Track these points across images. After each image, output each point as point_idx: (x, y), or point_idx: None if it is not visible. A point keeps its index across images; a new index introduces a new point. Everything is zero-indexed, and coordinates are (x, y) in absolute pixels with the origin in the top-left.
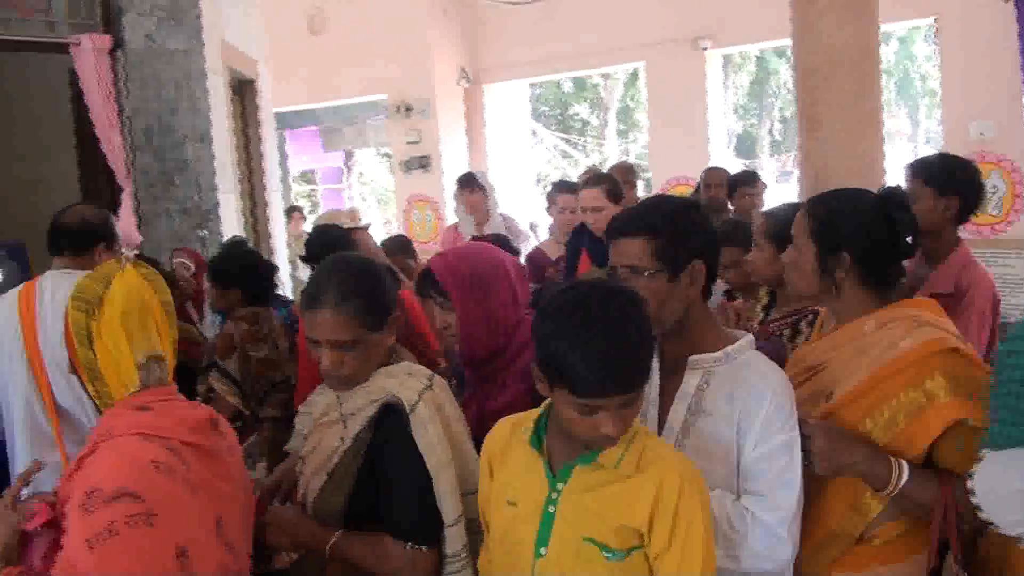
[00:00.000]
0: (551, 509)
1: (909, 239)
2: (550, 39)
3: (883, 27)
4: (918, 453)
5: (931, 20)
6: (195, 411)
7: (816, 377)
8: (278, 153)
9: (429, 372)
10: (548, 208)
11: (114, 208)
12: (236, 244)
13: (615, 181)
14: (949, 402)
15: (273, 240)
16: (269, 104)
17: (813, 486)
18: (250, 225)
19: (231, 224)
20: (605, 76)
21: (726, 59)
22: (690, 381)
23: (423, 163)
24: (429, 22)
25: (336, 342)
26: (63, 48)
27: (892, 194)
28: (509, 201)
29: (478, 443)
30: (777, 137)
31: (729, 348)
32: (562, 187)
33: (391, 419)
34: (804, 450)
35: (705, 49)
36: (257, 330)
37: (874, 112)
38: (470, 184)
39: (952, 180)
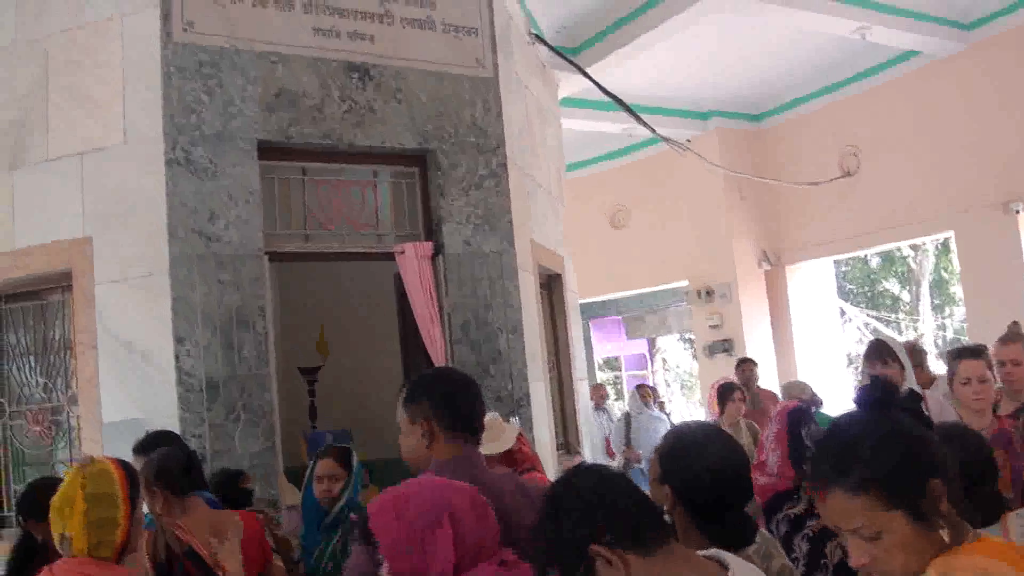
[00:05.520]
0: None
1: None
2: (852, 215)
3: None
4: None
5: None
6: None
7: None
8: (583, 342)
9: None
10: (950, 382)
11: None
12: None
13: None
14: None
15: (580, 426)
16: (575, 296)
17: None
18: (558, 411)
19: (541, 411)
20: (914, 248)
21: None
22: None
23: (726, 347)
24: (726, 207)
25: None
26: (390, 256)
27: (911, 400)
28: (819, 384)
29: None
30: None
31: None
32: (963, 353)
33: None
34: None
35: (1018, 212)
36: None
37: None
38: (882, 356)
39: None
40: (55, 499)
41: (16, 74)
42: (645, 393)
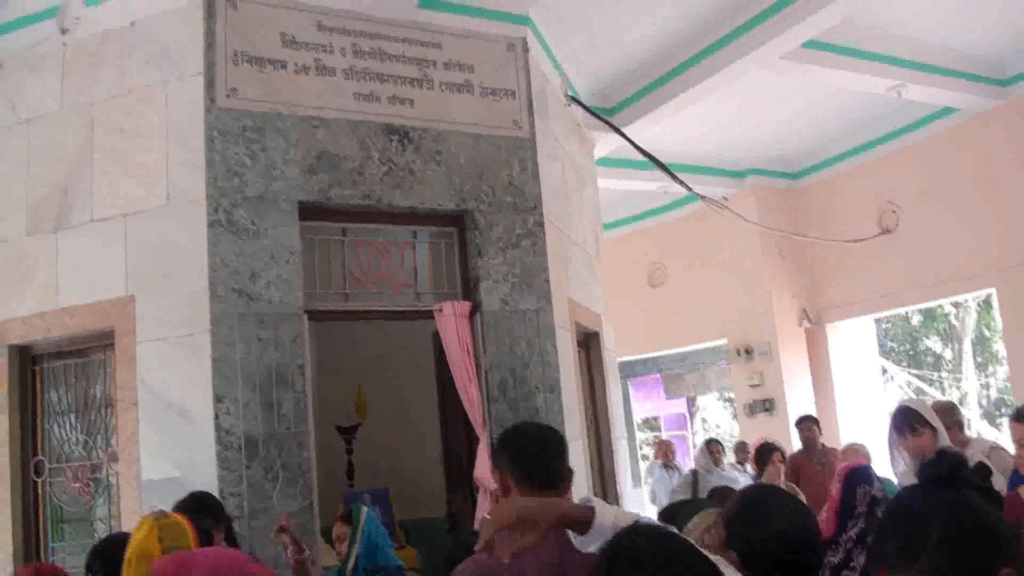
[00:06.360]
0: None
1: None
2: (892, 272)
3: None
4: None
5: None
6: None
7: None
8: (622, 401)
9: None
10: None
11: (471, 456)
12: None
13: None
14: None
15: (619, 485)
16: (612, 354)
17: None
18: (597, 471)
19: (579, 470)
20: (956, 305)
21: None
22: None
23: (767, 406)
24: (765, 265)
25: None
26: (428, 315)
27: (980, 474)
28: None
29: None
30: None
31: None
32: (1020, 416)
33: None
34: None
35: None
36: None
37: None
38: (911, 424)
39: None
40: (131, 551)
41: (63, 139)
42: (715, 450)
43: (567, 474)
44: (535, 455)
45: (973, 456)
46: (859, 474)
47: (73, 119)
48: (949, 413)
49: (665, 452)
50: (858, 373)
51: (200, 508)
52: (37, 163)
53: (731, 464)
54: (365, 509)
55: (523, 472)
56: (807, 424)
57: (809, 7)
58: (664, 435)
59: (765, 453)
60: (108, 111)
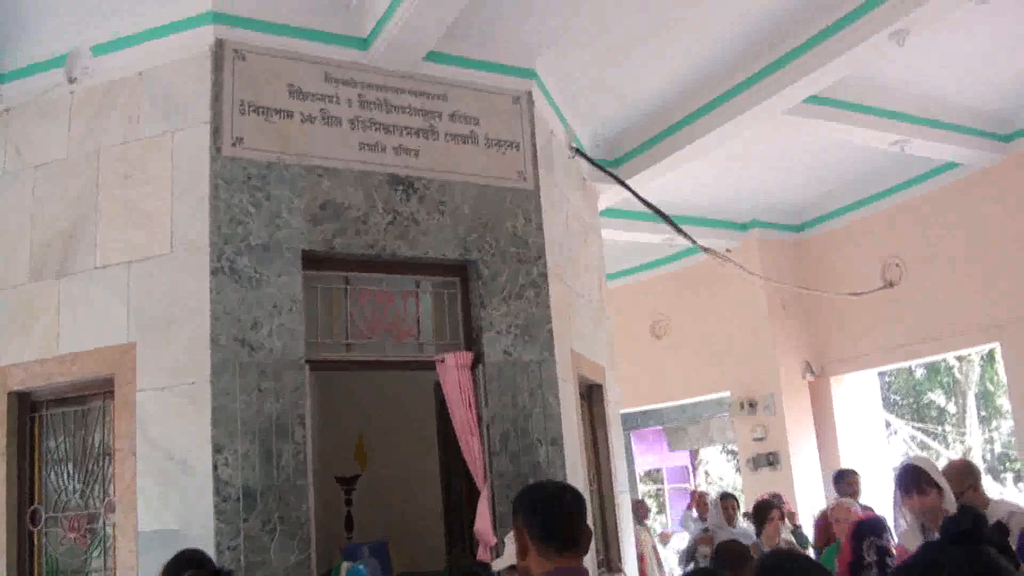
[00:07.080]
0: None
1: None
2: (896, 325)
3: None
4: None
5: None
6: None
7: None
8: (624, 453)
9: None
10: None
11: (472, 509)
12: None
13: None
14: None
15: (622, 540)
16: (616, 406)
17: None
18: (599, 526)
19: None
20: (959, 359)
21: None
22: None
23: (771, 460)
24: (768, 317)
25: None
26: (430, 365)
27: (998, 532)
28: (865, 496)
29: None
30: None
31: None
32: None
33: None
34: None
35: None
36: None
37: None
38: (918, 483)
39: None
40: None
41: (68, 185)
42: (729, 506)
43: (586, 535)
44: (553, 515)
45: (991, 518)
46: (866, 527)
47: (79, 166)
48: (966, 474)
49: (699, 503)
50: (862, 427)
51: (195, 566)
52: (42, 209)
53: None
54: (345, 566)
55: (541, 532)
56: (855, 477)
57: (812, 63)
58: (668, 487)
59: (763, 511)
60: (114, 159)
